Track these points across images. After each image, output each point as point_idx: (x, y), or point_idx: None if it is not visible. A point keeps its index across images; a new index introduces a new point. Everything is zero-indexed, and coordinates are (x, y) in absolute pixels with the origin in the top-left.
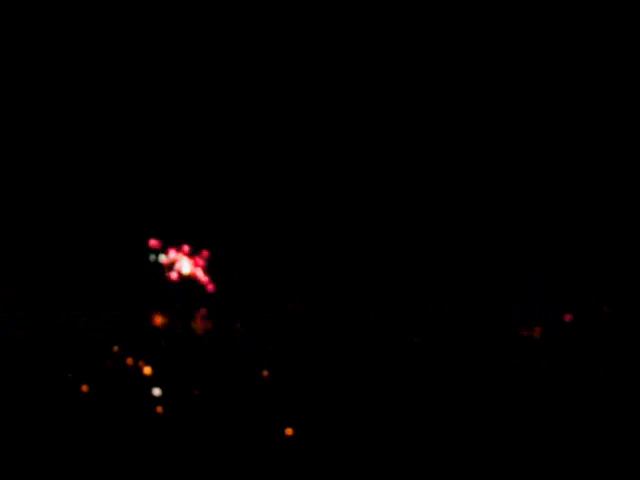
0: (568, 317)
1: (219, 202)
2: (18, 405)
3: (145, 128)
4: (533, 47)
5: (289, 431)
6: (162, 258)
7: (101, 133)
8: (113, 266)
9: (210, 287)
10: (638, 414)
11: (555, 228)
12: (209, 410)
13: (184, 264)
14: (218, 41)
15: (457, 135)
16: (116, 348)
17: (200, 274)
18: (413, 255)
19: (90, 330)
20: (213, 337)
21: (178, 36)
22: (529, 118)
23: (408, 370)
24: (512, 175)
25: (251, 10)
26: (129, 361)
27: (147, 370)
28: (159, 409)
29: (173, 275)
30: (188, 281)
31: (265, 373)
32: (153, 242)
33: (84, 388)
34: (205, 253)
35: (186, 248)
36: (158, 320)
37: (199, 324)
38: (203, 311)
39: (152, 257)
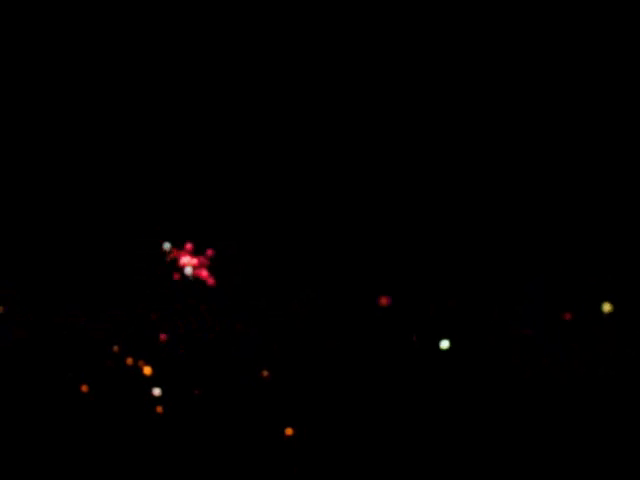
0: (568, 317)
1: (222, 201)
2: (18, 405)
3: (147, 127)
4: (533, 47)
5: (289, 431)
6: (164, 257)
7: (103, 133)
8: (113, 266)
9: (212, 287)
10: (638, 414)
11: (555, 228)
12: (209, 410)
13: (187, 263)
14: (219, 41)
15: (458, 136)
16: (116, 348)
17: (203, 273)
18: (414, 255)
19: (90, 330)
20: (214, 337)
21: (180, 37)
22: (529, 120)
23: (408, 370)
24: (512, 176)
25: (251, 10)
26: (129, 361)
27: (147, 370)
28: (159, 409)
29: (175, 274)
30: (190, 280)
31: (265, 373)
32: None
33: (84, 388)
34: (208, 252)
35: (189, 247)
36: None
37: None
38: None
39: (153, 257)
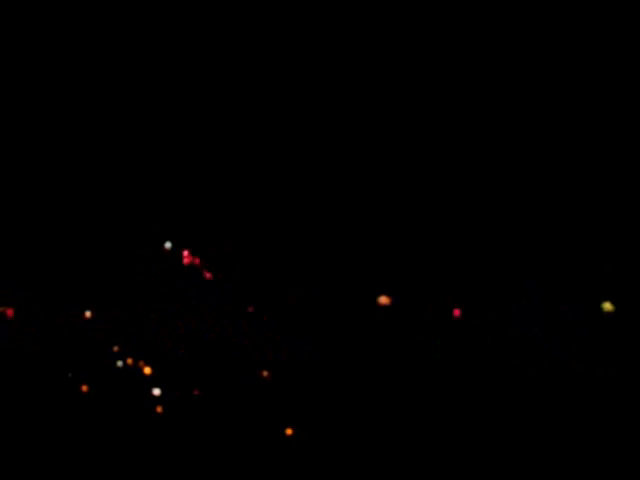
0: (567, 317)
1: (221, 201)
2: (18, 405)
3: (148, 127)
4: (533, 47)
5: (289, 431)
6: (164, 257)
7: (104, 133)
8: (113, 266)
9: (213, 287)
10: (638, 414)
11: (555, 228)
12: (209, 410)
13: (186, 262)
14: (219, 42)
15: (458, 136)
16: (116, 348)
17: (202, 272)
18: (413, 254)
19: (90, 330)
20: (214, 337)
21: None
22: (528, 119)
23: (408, 370)
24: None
25: (251, 10)
26: (129, 361)
27: (147, 370)
28: (159, 409)
29: (175, 274)
30: (190, 279)
31: (265, 373)
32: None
33: (84, 388)
34: (207, 251)
35: (189, 246)
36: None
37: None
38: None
39: (153, 257)
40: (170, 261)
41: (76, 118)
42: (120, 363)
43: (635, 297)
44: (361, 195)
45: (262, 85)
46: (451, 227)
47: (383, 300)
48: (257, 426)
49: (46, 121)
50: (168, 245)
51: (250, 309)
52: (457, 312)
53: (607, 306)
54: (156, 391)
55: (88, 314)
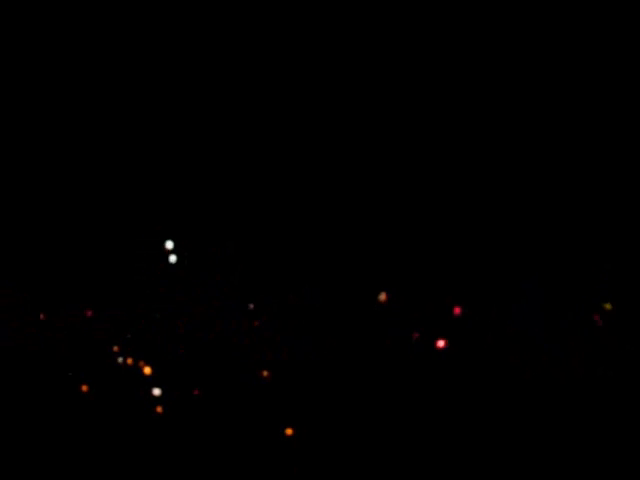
0: (568, 316)
1: (221, 201)
2: (18, 405)
3: (147, 126)
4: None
5: (289, 431)
6: (164, 257)
7: (103, 130)
8: (113, 265)
9: (213, 287)
10: (638, 414)
11: (555, 227)
12: (209, 410)
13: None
14: (219, 41)
15: (456, 135)
16: (116, 348)
17: (201, 271)
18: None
19: (90, 330)
20: (214, 337)
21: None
22: (529, 121)
23: (408, 369)
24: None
25: (251, 10)
26: (129, 361)
27: (147, 370)
28: (159, 409)
29: (175, 274)
30: (190, 279)
31: (265, 373)
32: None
33: (84, 388)
34: (207, 251)
35: (189, 246)
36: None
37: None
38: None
39: (153, 256)
40: (170, 261)
41: (75, 118)
42: (120, 362)
43: (635, 297)
44: (360, 194)
45: (262, 85)
46: (451, 225)
47: (383, 297)
48: (257, 426)
49: (45, 121)
50: (169, 245)
51: (250, 309)
52: (457, 310)
53: (606, 306)
54: (156, 391)
55: (89, 313)
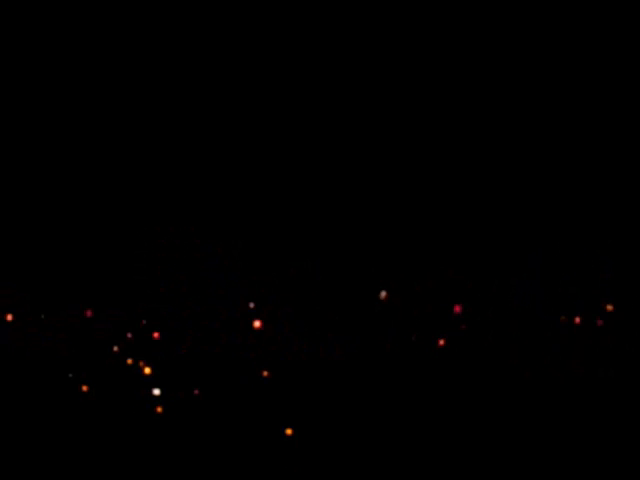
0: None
1: (220, 201)
2: (18, 405)
3: (147, 126)
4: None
5: (289, 431)
6: (165, 257)
7: (104, 132)
8: (113, 265)
9: (213, 287)
10: (638, 414)
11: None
12: (209, 410)
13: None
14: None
15: (453, 127)
16: (116, 348)
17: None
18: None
19: (90, 330)
20: (214, 337)
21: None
22: (529, 119)
23: (407, 368)
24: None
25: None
26: (129, 361)
27: (147, 370)
28: (159, 409)
29: (175, 274)
30: (190, 279)
31: (265, 373)
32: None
33: (84, 388)
34: (207, 251)
35: (189, 245)
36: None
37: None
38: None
39: (154, 256)
40: (170, 261)
41: (75, 117)
42: (120, 364)
43: (635, 298)
44: (360, 194)
45: (262, 85)
46: (452, 224)
47: (384, 295)
48: (257, 426)
49: (45, 121)
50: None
51: (250, 308)
52: (458, 309)
53: (607, 307)
54: (156, 391)
55: (89, 313)
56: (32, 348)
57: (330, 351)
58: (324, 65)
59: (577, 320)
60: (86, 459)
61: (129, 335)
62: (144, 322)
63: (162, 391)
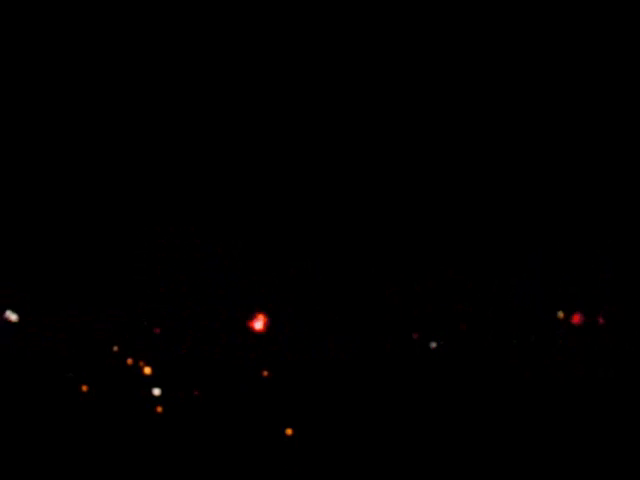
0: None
1: (220, 202)
2: (19, 405)
3: (147, 126)
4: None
5: (289, 431)
6: (165, 257)
7: (104, 133)
8: (113, 266)
9: (213, 288)
10: (638, 414)
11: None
12: (209, 410)
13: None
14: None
15: (453, 127)
16: (116, 348)
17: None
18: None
19: (90, 330)
20: (214, 337)
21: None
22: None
23: (407, 368)
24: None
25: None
26: (129, 361)
27: (147, 370)
28: (159, 409)
29: (175, 274)
30: (190, 279)
31: (265, 373)
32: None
33: (84, 388)
34: (207, 252)
35: (189, 245)
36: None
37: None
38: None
39: (154, 256)
40: (170, 261)
41: (76, 118)
42: (120, 364)
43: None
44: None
45: (262, 85)
46: (452, 224)
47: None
48: (257, 426)
49: (46, 122)
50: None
51: (250, 308)
52: (457, 308)
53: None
54: (156, 391)
55: (89, 313)
56: (32, 348)
57: (330, 351)
58: (324, 65)
59: (577, 319)
60: (86, 459)
61: (129, 335)
62: (144, 322)
63: (162, 391)
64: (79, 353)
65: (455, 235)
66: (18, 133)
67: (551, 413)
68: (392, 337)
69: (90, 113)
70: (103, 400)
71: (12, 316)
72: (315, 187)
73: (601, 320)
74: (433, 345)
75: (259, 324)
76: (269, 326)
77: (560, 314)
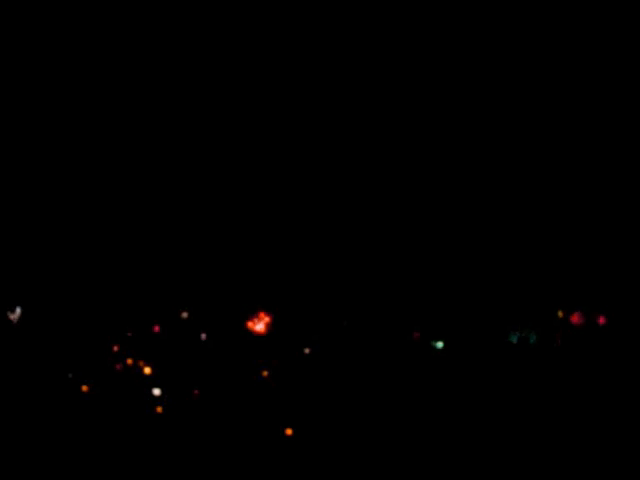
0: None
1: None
2: (19, 405)
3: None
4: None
5: (289, 431)
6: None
7: (104, 131)
8: (113, 266)
9: (213, 289)
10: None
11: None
12: (209, 410)
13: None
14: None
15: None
16: (116, 348)
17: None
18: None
19: (90, 330)
20: (214, 337)
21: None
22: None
23: (407, 370)
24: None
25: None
26: (129, 361)
27: (147, 370)
28: (159, 409)
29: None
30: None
31: (265, 373)
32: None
33: (84, 388)
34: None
35: (190, 248)
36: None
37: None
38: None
39: (154, 257)
40: (171, 261)
41: (77, 118)
42: (120, 364)
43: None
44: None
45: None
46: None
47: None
48: (257, 426)
49: (46, 122)
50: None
51: (251, 308)
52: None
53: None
54: (156, 391)
55: (90, 313)
56: (33, 348)
57: (330, 351)
58: (324, 65)
59: (576, 319)
60: (86, 459)
61: (129, 335)
62: (144, 322)
63: (162, 391)
64: (79, 353)
65: (455, 235)
66: (18, 134)
67: (551, 413)
68: (392, 337)
69: (90, 114)
70: (103, 400)
71: (13, 315)
72: (315, 187)
73: (601, 320)
74: (433, 345)
75: (260, 324)
76: (269, 326)
77: (560, 314)
